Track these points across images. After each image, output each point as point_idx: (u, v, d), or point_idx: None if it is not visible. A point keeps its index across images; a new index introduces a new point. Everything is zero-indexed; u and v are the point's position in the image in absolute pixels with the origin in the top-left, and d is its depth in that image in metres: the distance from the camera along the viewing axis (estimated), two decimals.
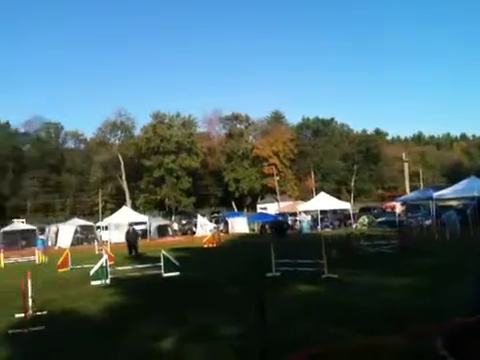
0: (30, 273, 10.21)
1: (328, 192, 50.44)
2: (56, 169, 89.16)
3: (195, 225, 48.38)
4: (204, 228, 43.88)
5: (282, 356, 5.37)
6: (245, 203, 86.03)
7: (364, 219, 40.00)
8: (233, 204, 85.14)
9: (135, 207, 71.23)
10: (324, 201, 41.56)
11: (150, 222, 42.81)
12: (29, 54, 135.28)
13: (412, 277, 11.94)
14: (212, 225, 45.39)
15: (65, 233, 40.70)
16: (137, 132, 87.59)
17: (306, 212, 43.95)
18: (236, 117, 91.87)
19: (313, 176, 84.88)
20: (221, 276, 14.58)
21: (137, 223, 38.10)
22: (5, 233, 41.48)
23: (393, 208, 47.43)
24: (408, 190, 63.04)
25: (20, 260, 26.12)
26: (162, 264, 15.54)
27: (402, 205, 42.99)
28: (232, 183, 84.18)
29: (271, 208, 68.53)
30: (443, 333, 5.69)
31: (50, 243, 40.20)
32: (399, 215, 38.70)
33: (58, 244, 39.47)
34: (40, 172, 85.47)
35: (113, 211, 53.17)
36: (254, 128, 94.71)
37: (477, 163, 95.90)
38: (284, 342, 6.40)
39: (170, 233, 47.99)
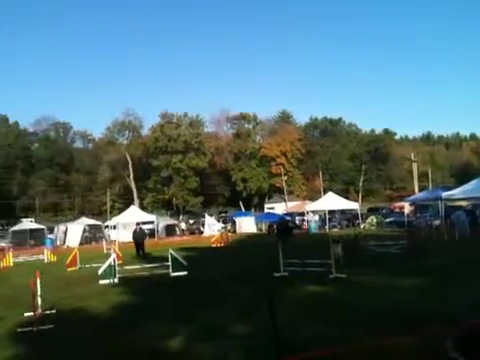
0: (39, 272, 10.25)
1: (336, 192, 50.21)
2: (65, 168, 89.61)
3: (203, 225, 48.45)
4: (212, 228, 43.92)
5: (291, 356, 5.36)
6: (252, 203, 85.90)
7: (372, 219, 39.83)
8: (241, 204, 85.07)
9: (143, 207, 71.39)
10: (332, 201, 41.38)
11: (158, 221, 42.85)
12: (38, 54, 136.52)
13: (421, 277, 11.86)
14: (220, 225, 45.40)
15: (74, 232, 40.84)
16: (145, 132, 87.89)
17: (314, 212, 43.81)
18: (244, 117, 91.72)
19: (321, 176, 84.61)
20: (229, 275, 14.57)
21: (145, 222, 38.21)
22: (14, 232, 41.69)
23: (402, 208, 47.11)
24: (417, 190, 62.81)
25: (29, 259, 26.29)
26: (170, 263, 15.56)
27: (411, 205, 42.71)
28: (240, 183, 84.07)
29: (279, 208, 68.36)
30: (454, 334, 5.66)
31: (59, 242, 40.41)
32: (408, 215, 38.44)
33: (67, 243, 39.65)
34: (49, 171, 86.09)
35: (121, 210, 53.33)
36: (262, 128, 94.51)
37: None
38: (292, 342, 6.37)
39: (178, 233, 48.05)
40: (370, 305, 8.99)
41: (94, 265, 18.30)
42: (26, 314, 9.75)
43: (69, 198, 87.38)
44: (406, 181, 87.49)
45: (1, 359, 6.92)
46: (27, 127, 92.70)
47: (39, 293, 9.85)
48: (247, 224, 46.96)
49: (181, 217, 69.23)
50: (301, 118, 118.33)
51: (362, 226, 38.80)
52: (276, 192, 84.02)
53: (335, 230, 39.16)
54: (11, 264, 23.63)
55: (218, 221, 49.16)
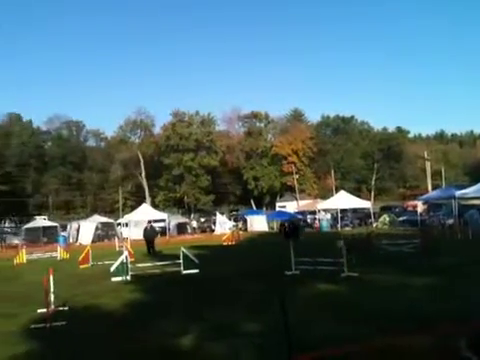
0: (52, 269, 10.34)
1: (348, 191, 49.94)
2: (77, 167, 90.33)
3: (214, 223, 48.51)
4: (223, 226, 43.93)
5: (303, 354, 5.34)
6: (264, 201, 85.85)
7: (385, 218, 39.54)
8: (252, 202, 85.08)
9: (154, 205, 71.66)
10: (344, 199, 41.18)
11: (169, 219, 43.00)
12: (51, 53, 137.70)
13: (434, 276, 11.76)
14: (231, 223, 45.42)
15: (86, 230, 41.15)
16: (157, 130, 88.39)
17: (326, 210, 43.66)
18: (255, 115, 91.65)
19: (333, 174, 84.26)
20: (240, 273, 14.57)
21: (156, 220, 38.33)
22: (27, 230, 42.10)
23: (415, 207, 46.70)
24: (430, 189, 62.30)
25: (42, 256, 26.54)
26: (181, 261, 15.60)
27: (424, 204, 42.33)
28: (251, 181, 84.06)
29: (290, 206, 68.28)
30: (467, 333, 5.60)
31: (71, 240, 40.78)
32: (421, 214, 38.11)
33: (79, 241, 39.97)
34: (62, 170, 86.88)
35: (133, 208, 53.58)
36: (273, 126, 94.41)
37: None
38: (304, 340, 6.34)
39: (189, 231, 48.14)
40: (382, 304, 8.94)
41: (106, 262, 18.40)
42: (39, 311, 9.83)
43: (81, 196, 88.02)
44: (419, 179, 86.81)
45: (15, 355, 7.00)
46: (40, 126, 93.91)
47: (52, 290, 9.94)
48: (258, 222, 46.89)
49: (192, 215, 69.42)
50: (313, 116, 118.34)
51: (374, 225, 38.57)
52: (288, 190, 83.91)
53: (347, 229, 38.98)
54: (24, 261, 23.89)
55: (229, 219, 49.14)
